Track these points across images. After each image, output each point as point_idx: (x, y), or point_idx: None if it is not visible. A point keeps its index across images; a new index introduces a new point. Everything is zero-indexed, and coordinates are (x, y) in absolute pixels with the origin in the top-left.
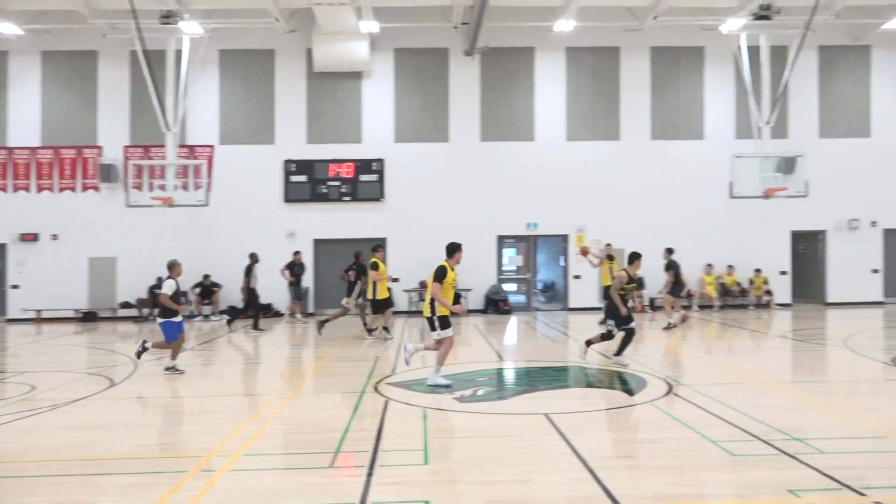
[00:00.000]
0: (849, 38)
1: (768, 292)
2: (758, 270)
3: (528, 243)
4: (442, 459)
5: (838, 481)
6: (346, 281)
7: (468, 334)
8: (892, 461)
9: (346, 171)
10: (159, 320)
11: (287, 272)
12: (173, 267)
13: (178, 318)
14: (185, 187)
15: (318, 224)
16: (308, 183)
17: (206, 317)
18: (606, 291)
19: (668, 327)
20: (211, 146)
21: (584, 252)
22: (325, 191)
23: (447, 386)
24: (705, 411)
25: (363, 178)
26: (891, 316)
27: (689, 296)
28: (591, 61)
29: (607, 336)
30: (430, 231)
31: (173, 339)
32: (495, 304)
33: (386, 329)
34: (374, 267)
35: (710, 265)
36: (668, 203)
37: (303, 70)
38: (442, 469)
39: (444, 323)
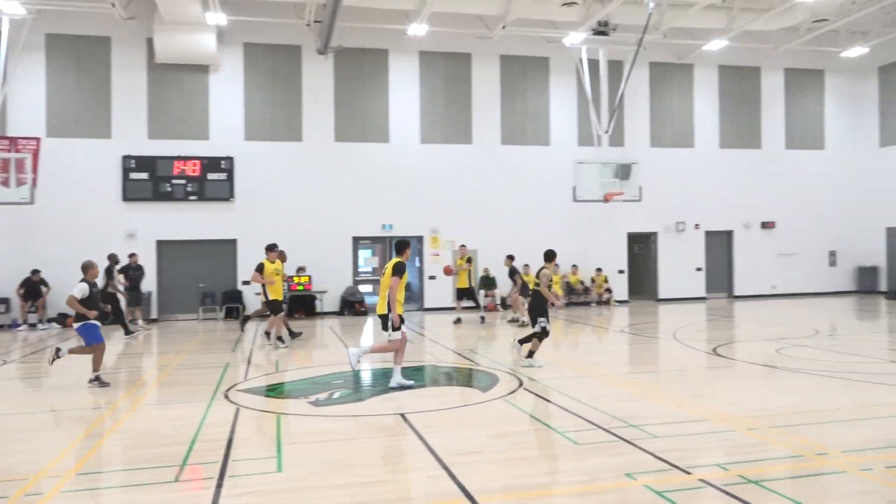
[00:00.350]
0: (675, 56)
1: (608, 290)
2: (599, 270)
3: (383, 244)
4: (296, 466)
5: (669, 463)
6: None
7: (324, 337)
8: (714, 442)
9: (193, 169)
10: (76, 325)
11: (121, 276)
12: (88, 268)
13: (97, 322)
14: (5, 183)
15: (161, 225)
16: (150, 181)
17: (33, 325)
18: (464, 292)
19: (519, 323)
20: (37, 139)
21: (448, 272)
22: (169, 189)
23: (410, 385)
24: (553, 404)
25: (211, 176)
26: (712, 310)
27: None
28: (444, 66)
29: (543, 335)
30: (282, 232)
31: (96, 341)
32: (351, 306)
33: (280, 338)
34: (259, 268)
35: (556, 265)
36: (518, 205)
37: (143, 61)
38: (297, 475)
39: (400, 320)
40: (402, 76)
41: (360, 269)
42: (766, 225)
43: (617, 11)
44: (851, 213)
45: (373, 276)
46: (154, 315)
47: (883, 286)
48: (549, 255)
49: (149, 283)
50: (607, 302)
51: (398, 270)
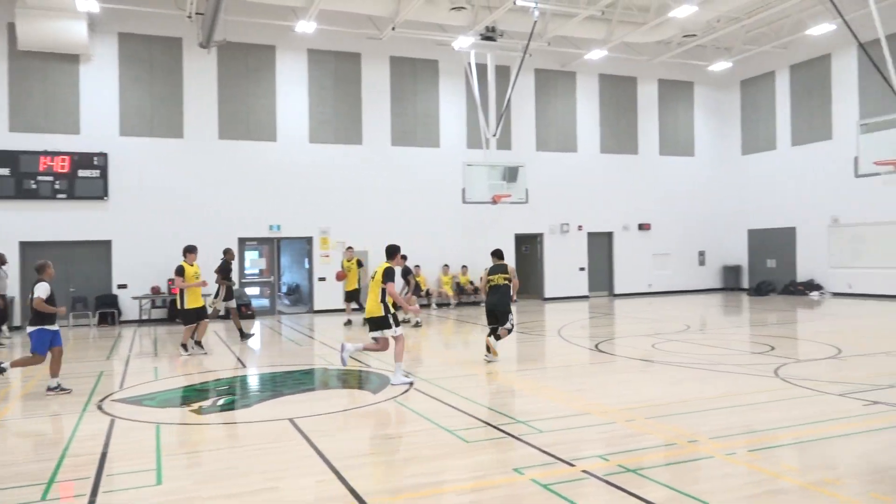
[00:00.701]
0: (559, 64)
1: None
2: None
3: (271, 246)
4: (178, 477)
5: (554, 456)
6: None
7: (207, 341)
8: (596, 434)
9: (61, 166)
10: (30, 329)
11: None
12: (45, 268)
13: (55, 327)
14: None
15: (24, 225)
16: (11, 177)
17: None
18: (352, 295)
19: (412, 324)
20: None
21: (340, 277)
22: (33, 187)
23: (411, 383)
24: (443, 403)
25: (82, 173)
26: (594, 308)
27: (429, 294)
28: (334, 65)
29: (510, 330)
30: (162, 233)
31: (40, 351)
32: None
33: (199, 343)
34: (180, 272)
35: (446, 265)
36: (408, 207)
37: (3, 47)
38: (178, 487)
39: (397, 321)
40: (290, 74)
41: (246, 272)
42: (643, 227)
43: (504, 18)
44: (718, 216)
45: (260, 279)
46: (17, 322)
47: (745, 283)
48: (497, 254)
49: (12, 288)
50: None
51: (388, 276)
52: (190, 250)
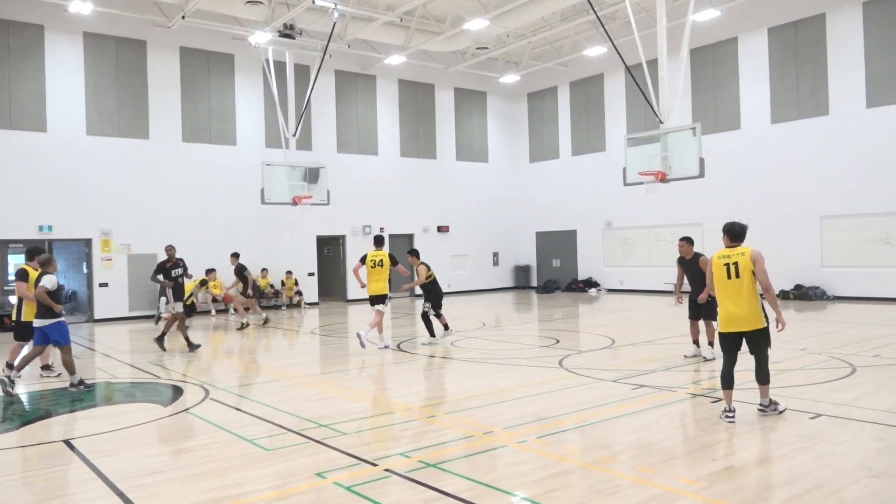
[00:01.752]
0: (359, 66)
1: (299, 293)
2: (289, 272)
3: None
4: None
5: (357, 457)
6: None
7: None
8: (398, 432)
9: None
10: (42, 323)
11: None
12: (50, 261)
13: (62, 319)
14: None
15: None
16: None
17: None
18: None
19: (242, 327)
20: None
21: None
22: None
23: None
24: (241, 412)
25: None
26: (396, 308)
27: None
28: (115, 51)
29: (437, 317)
30: None
31: (66, 341)
32: (0, 320)
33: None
34: (22, 276)
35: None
36: (203, 207)
37: None
38: None
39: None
40: (62, 57)
41: (9, 278)
42: (442, 229)
43: (302, 16)
44: (510, 218)
45: None
46: None
47: (534, 282)
48: (413, 253)
49: None
50: (298, 304)
51: (394, 261)
52: (34, 252)
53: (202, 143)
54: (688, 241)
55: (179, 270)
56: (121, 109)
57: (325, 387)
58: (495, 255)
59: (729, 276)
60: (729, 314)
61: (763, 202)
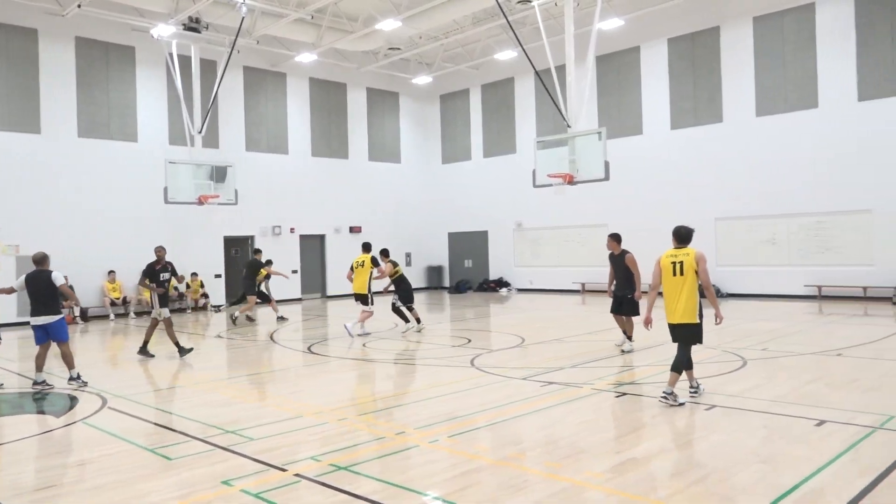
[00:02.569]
0: (269, 63)
1: (205, 295)
2: (195, 274)
3: None
4: None
5: (265, 463)
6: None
7: None
8: (309, 436)
9: None
10: (54, 319)
11: None
12: (46, 259)
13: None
14: None
15: None
16: None
17: None
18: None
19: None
20: None
21: None
22: None
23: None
24: (143, 420)
25: None
26: (307, 310)
27: (126, 302)
28: (3, 40)
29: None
30: None
31: (63, 338)
32: None
33: None
34: None
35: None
36: (101, 205)
37: None
38: None
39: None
40: None
41: None
42: (354, 229)
43: (209, 10)
44: (422, 220)
45: None
46: None
47: (447, 283)
48: (385, 253)
49: None
50: (204, 307)
51: (375, 262)
52: None
53: (100, 138)
54: (614, 237)
55: (167, 274)
56: (9, 101)
57: (232, 392)
58: (408, 255)
59: (674, 274)
60: (671, 308)
61: (662, 204)
